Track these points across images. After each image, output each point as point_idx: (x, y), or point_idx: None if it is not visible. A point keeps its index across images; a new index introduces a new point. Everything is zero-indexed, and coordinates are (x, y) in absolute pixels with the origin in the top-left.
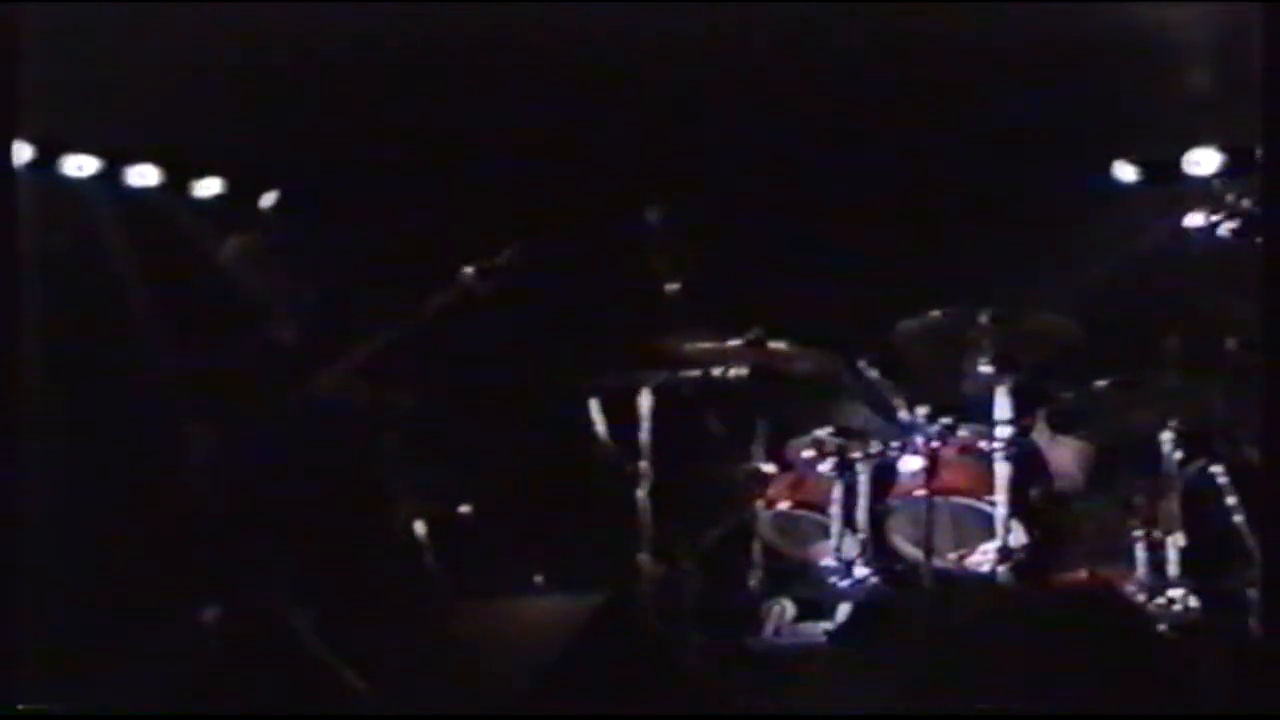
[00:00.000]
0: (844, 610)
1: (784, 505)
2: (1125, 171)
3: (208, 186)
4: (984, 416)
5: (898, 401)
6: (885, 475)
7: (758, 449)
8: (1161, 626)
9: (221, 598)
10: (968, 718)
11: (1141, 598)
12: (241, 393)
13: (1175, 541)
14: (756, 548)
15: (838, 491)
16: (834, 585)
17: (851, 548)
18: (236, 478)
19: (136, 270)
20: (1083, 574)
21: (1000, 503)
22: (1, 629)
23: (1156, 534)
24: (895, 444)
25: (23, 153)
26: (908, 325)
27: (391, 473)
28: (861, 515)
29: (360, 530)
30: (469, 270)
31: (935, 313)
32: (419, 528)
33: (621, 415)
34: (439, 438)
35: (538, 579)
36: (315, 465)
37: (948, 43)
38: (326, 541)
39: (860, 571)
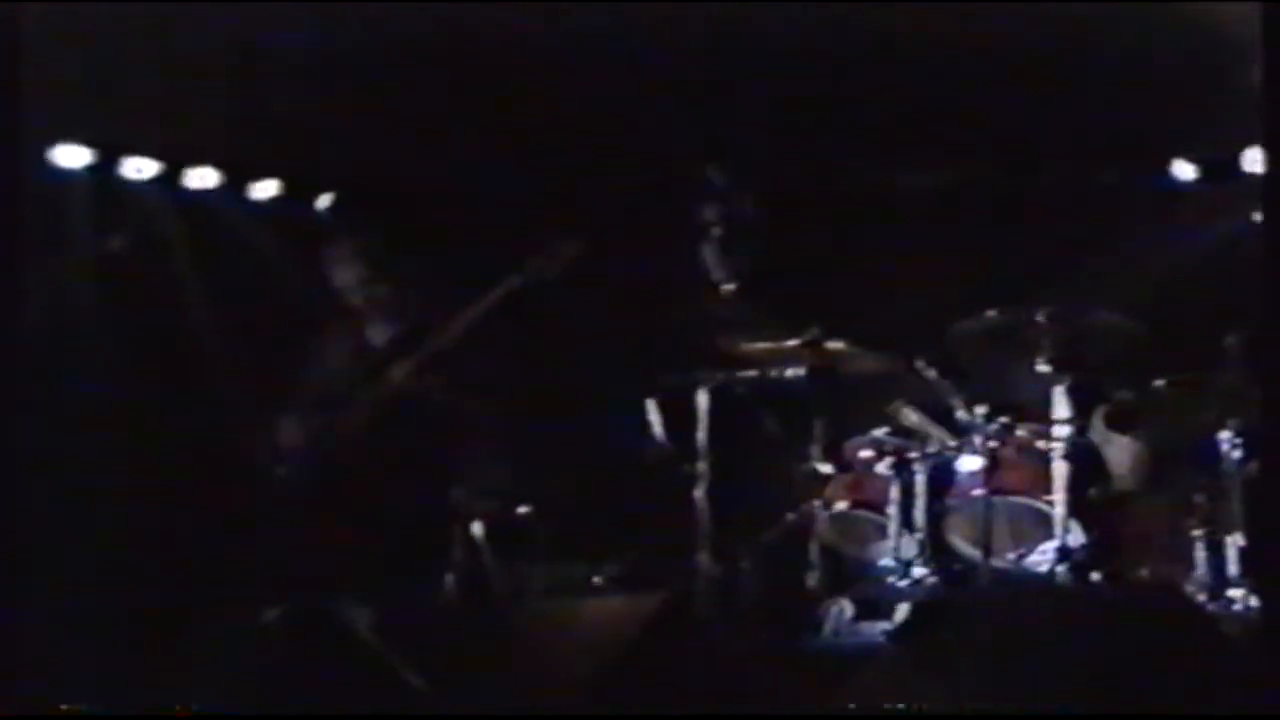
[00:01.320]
0: (902, 610)
1: (842, 505)
2: (1184, 170)
3: (265, 189)
4: (1042, 416)
5: (955, 401)
6: (943, 475)
7: (815, 449)
8: (1222, 626)
9: (282, 597)
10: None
11: (1201, 597)
12: (305, 392)
13: (1235, 541)
14: (814, 548)
15: (895, 491)
16: (892, 585)
17: (909, 548)
18: (298, 476)
19: (195, 272)
20: (1142, 573)
21: (1059, 502)
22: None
23: (1216, 533)
24: (953, 444)
25: (82, 156)
26: (965, 325)
27: (457, 472)
28: (919, 515)
29: (422, 529)
30: (534, 269)
31: (993, 312)
32: (477, 528)
33: (679, 416)
34: (501, 438)
35: (596, 579)
36: (380, 462)
37: (1007, 42)
38: (387, 540)
39: (918, 571)
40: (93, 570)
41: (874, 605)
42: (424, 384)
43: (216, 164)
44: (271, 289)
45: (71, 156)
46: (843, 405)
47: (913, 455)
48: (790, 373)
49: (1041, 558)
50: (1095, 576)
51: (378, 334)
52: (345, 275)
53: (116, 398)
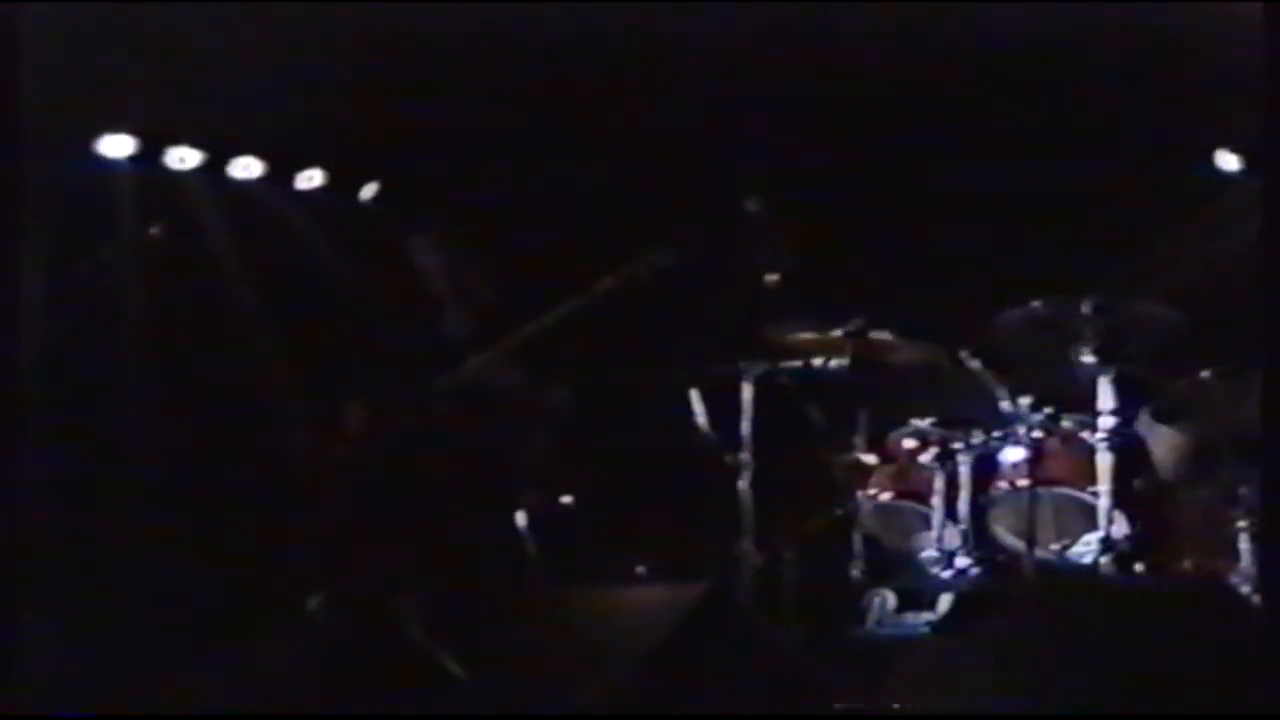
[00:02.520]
0: (945, 601)
1: (886, 496)
2: (1228, 160)
3: (310, 178)
4: (1087, 406)
5: (1000, 392)
6: (987, 466)
7: (859, 439)
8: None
9: (328, 586)
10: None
11: (1245, 589)
12: (353, 384)
13: None
14: (858, 538)
15: (939, 482)
16: (936, 576)
17: (953, 538)
18: (358, 462)
19: (240, 261)
20: (1186, 565)
21: (1103, 493)
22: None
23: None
24: (997, 434)
25: (126, 146)
26: (1010, 315)
27: (509, 462)
28: (963, 506)
29: (466, 518)
30: (627, 272)
31: (1037, 302)
32: (520, 518)
33: (723, 406)
34: (553, 429)
35: (640, 569)
36: (441, 451)
37: (1050, 33)
38: (431, 529)
39: (962, 562)
40: (139, 561)
41: (917, 596)
42: (501, 376)
43: (260, 153)
44: (316, 278)
45: (116, 146)
46: (887, 396)
47: (957, 446)
48: (834, 363)
49: (1085, 549)
50: (1139, 568)
51: (454, 324)
52: (429, 263)
53: (163, 387)
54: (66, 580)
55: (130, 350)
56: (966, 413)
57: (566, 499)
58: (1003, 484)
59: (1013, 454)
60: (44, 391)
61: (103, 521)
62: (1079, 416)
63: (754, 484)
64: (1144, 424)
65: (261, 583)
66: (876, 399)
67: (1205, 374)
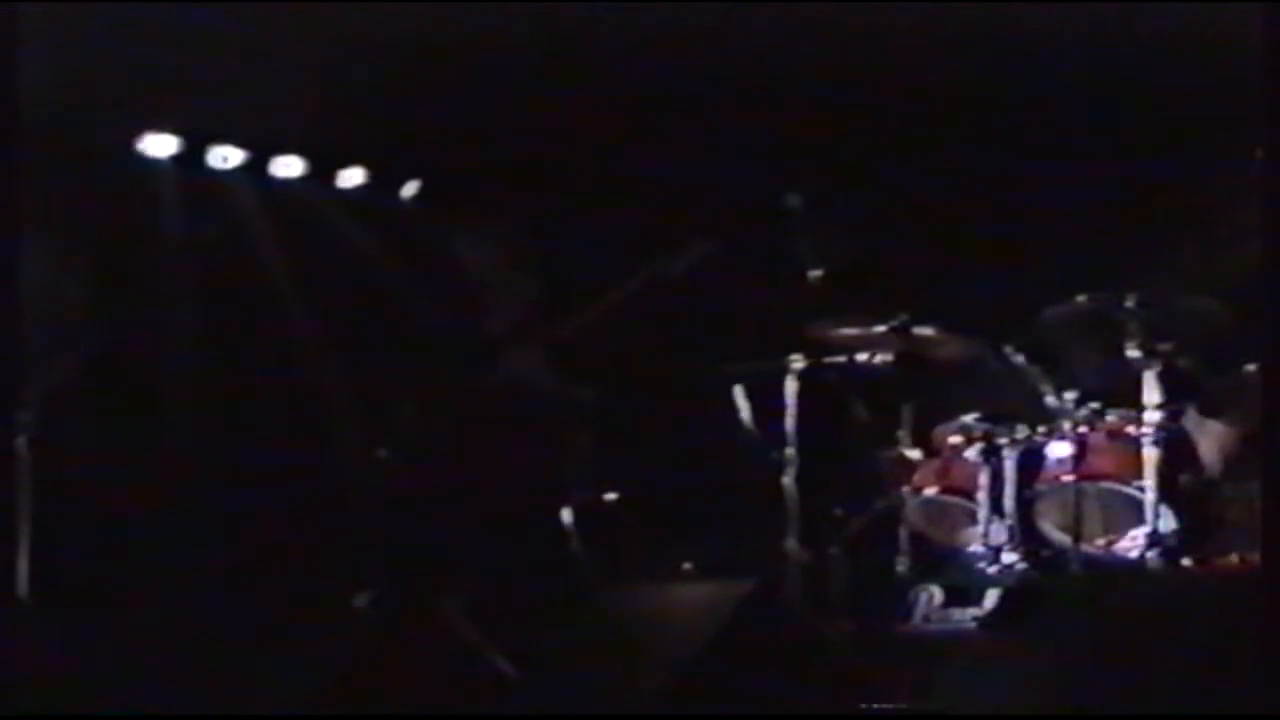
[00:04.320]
0: (992, 596)
1: (931, 491)
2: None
3: (351, 177)
4: (1133, 401)
5: (1045, 387)
6: (1033, 461)
7: (904, 435)
8: None
9: (376, 583)
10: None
11: None
12: (399, 382)
13: None
14: (903, 534)
15: (985, 477)
16: (982, 571)
17: (999, 533)
18: (401, 460)
19: (282, 259)
20: (1233, 559)
21: (1149, 488)
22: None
23: None
24: (1043, 429)
25: (169, 145)
26: (1054, 310)
27: (553, 458)
28: (1009, 501)
29: (514, 516)
30: (663, 265)
31: (1082, 297)
32: (565, 515)
33: (768, 402)
34: (595, 425)
35: (685, 566)
36: (484, 446)
37: (1096, 30)
38: (479, 527)
39: (1008, 557)
40: (189, 558)
41: (963, 591)
42: (541, 371)
43: (302, 152)
44: (360, 276)
45: (159, 146)
46: (931, 391)
47: (1002, 441)
48: (878, 359)
49: (1132, 544)
50: (1186, 563)
51: (496, 319)
52: (471, 260)
53: (210, 386)
54: (117, 578)
55: (176, 350)
56: (1011, 408)
57: (612, 496)
58: (1048, 479)
59: (1058, 449)
60: (93, 391)
61: (153, 519)
62: (1125, 411)
63: (799, 480)
64: (1190, 418)
65: (310, 580)
66: (921, 394)
67: (1251, 368)
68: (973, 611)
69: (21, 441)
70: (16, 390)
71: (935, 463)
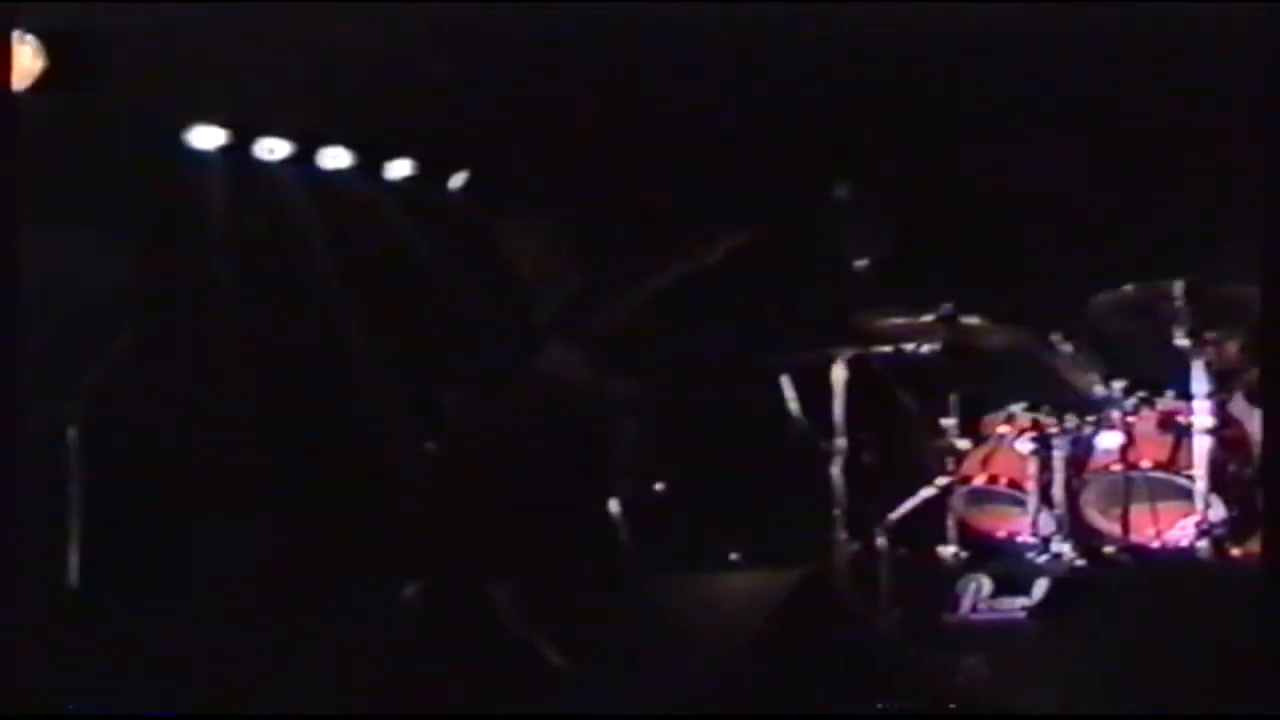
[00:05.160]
0: (1041, 586)
1: (979, 481)
2: None
3: (399, 168)
4: (1181, 390)
5: (1093, 376)
6: (1081, 450)
7: (952, 424)
8: None
9: (425, 573)
10: None
11: None
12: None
13: None
14: (951, 523)
15: (1033, 467)
16: (1030, 561)
17: (1048, 523)
18: (449, 451)
19: (330, 250)
20: None
21: (1199, 477)
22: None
23: None
24: (1091, 418)
25: (216, 137)
26: (1103, 299)
27: (600, 449)
28: (1057, 490)
29: (561, 506)
30: (699, 255)
31: (1130, 286)
32: (613, 505)
33: (815, 392)
34: (642, 416)
35: (733, 556)
36: (530, 438)
37: (1140, 20)
38: (527, 518)
39: (1057, 547)
40: (236, 550)
41: (1012, 581)
42: (584, 362)
43: (349, 143)
44: (406, 267)
45: (207, 137)
46: (979, 380)
47: (1050, 430)
48: (926, 348)
49: (1181, 533)
50: (1235, 552)
51: (541, 311)
52: (515, 251)
53: (258, 378)
54: (164, 570)
55: (222, 342)
56: (1060, 397)
57: (659, 486)
58: (1097, 468)
59: (1107, 438)
60: (141, 382)
61: (200, 511)
62: (1173, 400)
63: (846, 470)
64: (1239, 406)
65: (359, 570)
66: (969, 384)
67: None
68: (1021, 601)
69: (70, 432)
70: (65, 381)
71: (983, 452)
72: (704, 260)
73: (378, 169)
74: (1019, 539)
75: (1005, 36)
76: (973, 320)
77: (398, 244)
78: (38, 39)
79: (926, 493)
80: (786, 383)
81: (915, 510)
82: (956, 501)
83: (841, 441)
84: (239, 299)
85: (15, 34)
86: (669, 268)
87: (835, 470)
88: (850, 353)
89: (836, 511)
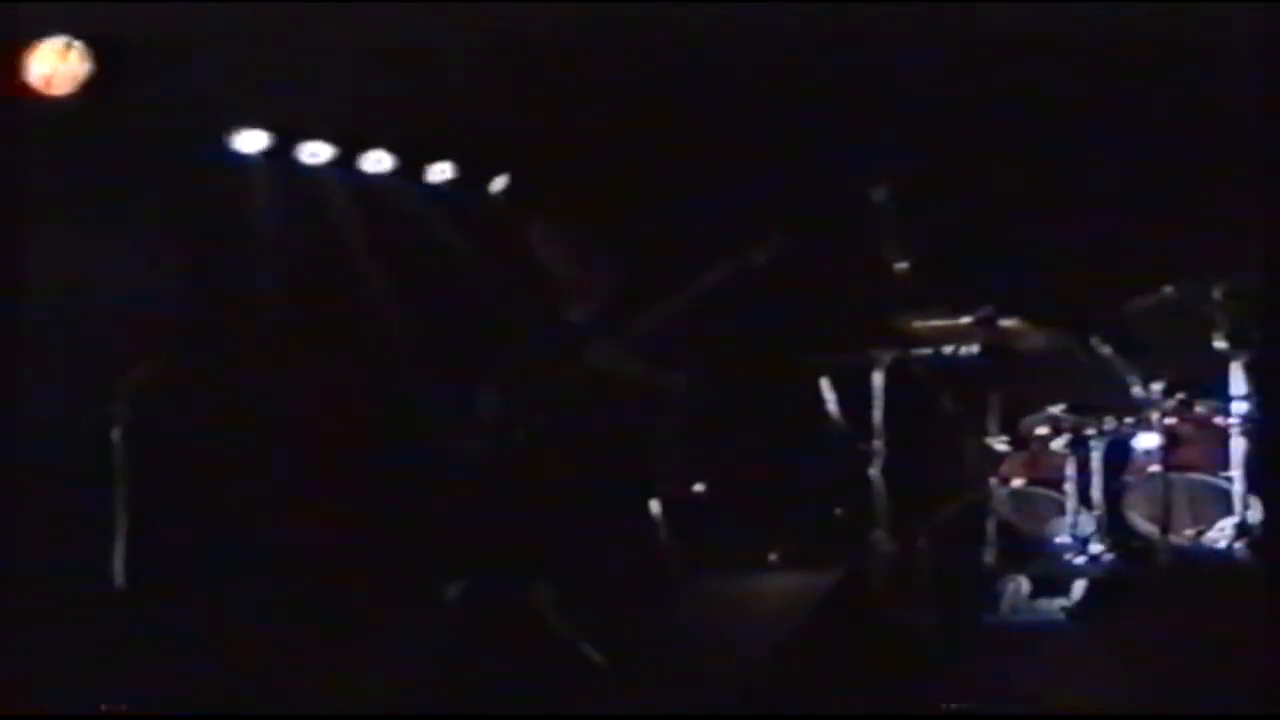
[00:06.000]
0: (1080, 587)
1: (1018, 482)
2: None
3: (440, 172)
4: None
5: (1132, 378)
6: (1120, 451)
7: (991, 426)
8: None
9: (466, 574)
10: None
11: None
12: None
13: None
14: (991, 525)
15: (1072, 468)
16: (1069, 562)
17: (1087, 524)
18: (488, 453)
19: (372, 253)
20: None
21: (1238, 478)
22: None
23: None
24: (1130, 420)
25: (260, 141)
26: (1141, 301)
27: (640, 450)
28: (1097, 492)
29: (602, 507)
30: (743, 257)
31: (1169, 288)
32: (654, 506)
33: (855, 394)
34: (681, 417)
35: (773, 557)
36: (568, 439)
37: (1176, 22)
38: (568, 518)
39: (1096, 548)
40: (277, 549)
41: (1051, 582)
42: (628, 362)
43: (391, 147)
44: (448, 270)
45: (250, 142)
46: (1018, 382)
47: (1089, 432)
48: (964, 350)
49: (1220, 534)
50: (1275, 554)
51: (575, 313)
52: (548, 253)
53: (301, 379)
54: (211, 569)
55: (267, 344)
56: (1099, 399)
57: (699, 487)
58: (1136, 470)
59: (1146, 440)
60: (186, 384)
61: (242, 511)
62: (1212, 402)
63: (886, 471)
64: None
65: (401, 570)
66: (1008, 385)
67: None
68: (1060, 602)
69: (116, 434)
70: (110, 384)
71: (1023, 454)
72: (747, 263)
73: (419, 172)
74: (1058, 540)
75: (1044, 39)
76: (1012, 322)
77: (440, 247)
78: (85, 44)
79: (966, 494)
80: (826, 384)
81: (954, 512)
82: (996, 503)
83: (880, 443)
84: (283, 300)
85: (63, 39)
86: (712, 270)
87: (874, 471)
88: (890, 355)
89: (876, 513)
